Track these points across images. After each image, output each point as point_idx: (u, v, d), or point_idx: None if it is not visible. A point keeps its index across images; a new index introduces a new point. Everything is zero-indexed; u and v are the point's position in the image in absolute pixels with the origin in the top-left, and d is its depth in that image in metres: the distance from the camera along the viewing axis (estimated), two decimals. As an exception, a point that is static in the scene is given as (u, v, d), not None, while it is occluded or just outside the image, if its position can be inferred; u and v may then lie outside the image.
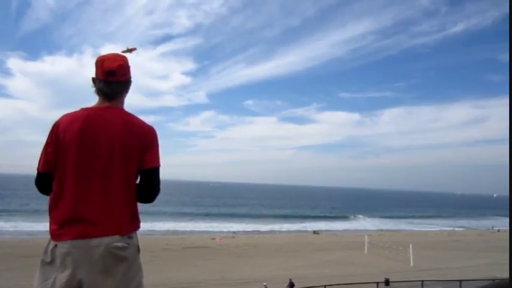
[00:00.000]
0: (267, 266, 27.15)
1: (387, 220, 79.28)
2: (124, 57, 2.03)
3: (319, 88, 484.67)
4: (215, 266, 26.36)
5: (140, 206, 1.99)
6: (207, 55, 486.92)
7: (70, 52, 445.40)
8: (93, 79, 1.98)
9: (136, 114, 2.01)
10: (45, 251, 1.84)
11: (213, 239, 41.08)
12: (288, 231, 54.72)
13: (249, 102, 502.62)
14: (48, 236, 1.86)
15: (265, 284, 19.43)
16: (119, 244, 1.81)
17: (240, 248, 35.38)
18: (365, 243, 35.79)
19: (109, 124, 1.89)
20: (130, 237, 1.88)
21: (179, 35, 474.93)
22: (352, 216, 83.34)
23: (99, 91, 1.97)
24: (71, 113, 1.93)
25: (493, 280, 13.20)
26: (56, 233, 1.81)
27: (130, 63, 2.05)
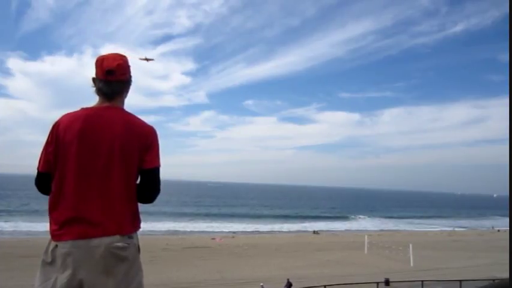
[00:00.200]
0: (267, 266, 27.12)
1: (387, 220, 79.27)
2: (124, 56, 2.02)
3: (319, 88, 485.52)
4: (215, 266, 26.34)
5: (140, 206, 1.99)
6: (207, 55, 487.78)
7: (69, 52, 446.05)
8: (93, 79, 1.98)
9: (136, 114, 2.00)
10: (46, 251, 1.84)
11: (213, 239, 41.06)
12: (288, 231, 54.65)
13: (249, 102, 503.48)
14: (49, 236, 1.86)
15: (261, 284, 19.41)
16: (119, 244, 1.81)
17: (240, 248, 35.36)
18: (365, 243, 35.76)
19: (109, 124, 1.89)
20: (131, 237, 1.88)
21: (179, 35, 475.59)
22: (352, 216, 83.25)
23: (99, 91, 1.96)
24: (71, 113, 1.93)
25: (493, 280, 13.18)
26: (56, 233, 1.81)
27: (130, 63, 2.05)
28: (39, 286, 1.81)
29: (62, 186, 1.84)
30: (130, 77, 2.04)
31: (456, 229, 64.70)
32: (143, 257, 1.98)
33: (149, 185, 1.97)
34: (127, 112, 1.99)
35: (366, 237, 37.29)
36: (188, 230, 51.04)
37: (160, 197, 2.04)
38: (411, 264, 28.70)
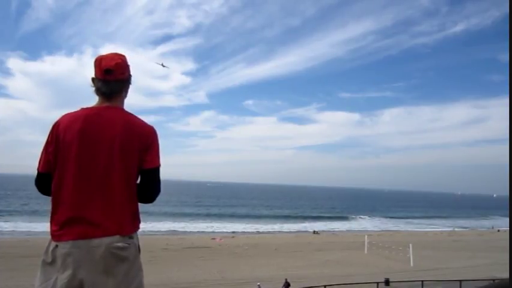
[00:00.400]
0: (267, 266, 27.12)
1: (387, 220, 79.32)
2: (123, 55, 2.02)
3: (319, 88, 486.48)
4: (215, 266, 26.33)
5: (141, 206, 1.99)
6: (207, 55, 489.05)
7: (69, 52, 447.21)
8: (92, 79, 1.97)
9: (136, 114, 2.00)
10: (46, 252, 1.84)
11: (213, 239, 41.05)
12: (288, 232, 54.63)
13: (249, 102, 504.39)
14: (48, 236, 1.86)
15: (258, 284, 19.41)
16: (119, 244, 1.81)
17: (240, 248, 35.35)
18: (365, 243, 35.76)
19: (109, 124, 1.89)
20: (131, 238, 1.88)
21: (179, 35, 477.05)
22: (352, 216, 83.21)
23: (98, 90, 1.96)
24: (71, 113, 1.92)
25: (493, 280, 13.19)
26: (56, 234, 1.81)
27: (130, 63, 2.04)
28: (40, 286, 1.81)
29: (62, 187, 1.84)
30: (130, 76, 2.03)
31: (456, 229, 64.70)
32: (143, 257, 1.98)
33: (149, 185, 1.97)
34: (127, 112, 1.99)
35: (366, 237, 37.28)
36: (188, 230, 51.03)
37: (160, 197, 2.04)
38: (411, 264, 28.70)
